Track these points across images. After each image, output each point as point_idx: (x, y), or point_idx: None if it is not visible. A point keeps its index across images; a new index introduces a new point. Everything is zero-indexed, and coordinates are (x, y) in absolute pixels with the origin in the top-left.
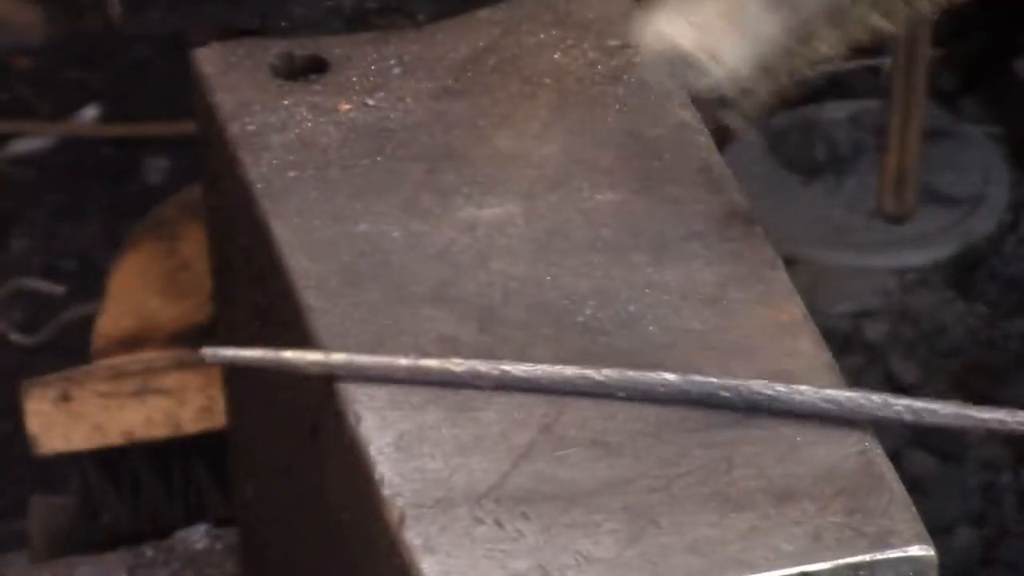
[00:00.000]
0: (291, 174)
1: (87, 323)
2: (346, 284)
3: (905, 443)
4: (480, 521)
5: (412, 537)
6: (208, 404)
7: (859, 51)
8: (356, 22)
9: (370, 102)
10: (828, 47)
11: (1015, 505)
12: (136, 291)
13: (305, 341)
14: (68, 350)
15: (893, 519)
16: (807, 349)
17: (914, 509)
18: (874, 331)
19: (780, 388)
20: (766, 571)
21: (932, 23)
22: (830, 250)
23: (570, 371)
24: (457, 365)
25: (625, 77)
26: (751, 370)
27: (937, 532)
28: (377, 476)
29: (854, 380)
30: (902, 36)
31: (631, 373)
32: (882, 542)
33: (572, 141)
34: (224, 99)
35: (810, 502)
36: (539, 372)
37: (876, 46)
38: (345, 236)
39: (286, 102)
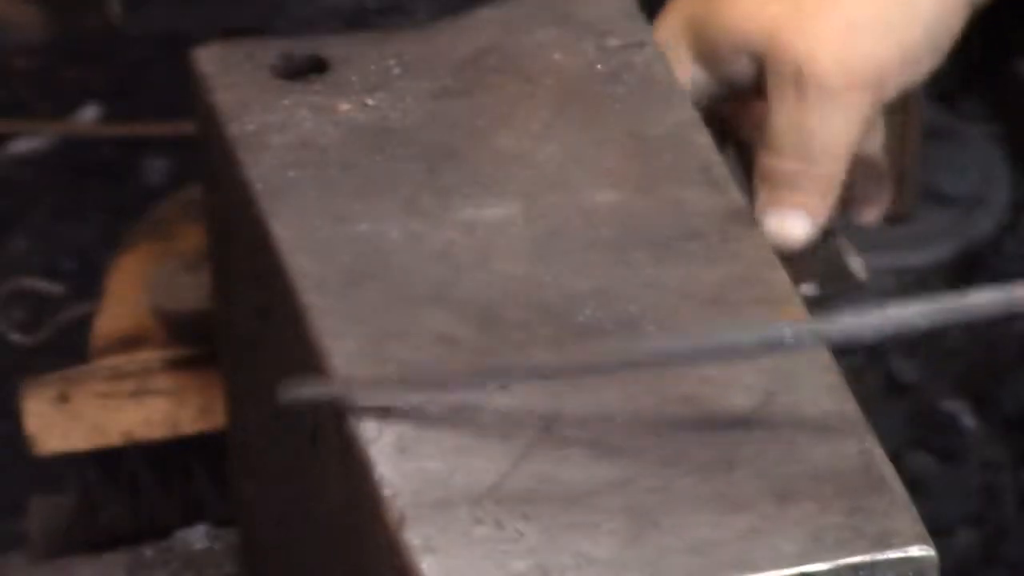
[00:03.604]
0: (291, 174)
1: (87, 323)
2: (346, 284)
3: (905, 443)
4: (480, 521)
5: (412, 537)
6: (207, 404)
7: None
8: (356, 22)
9: (370, 102)
10: None
11: (1015, 505)
12: (135, 291)
13: (305, 341)
14: (67, 350)
15: (893, 519)
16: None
17: (914, 509)
18: None
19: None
20: (766, 571)
21: None
22: None
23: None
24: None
25: (625, 77)
26: (751, 370)
27: (937, 532)
28: (377, 476)
29: (854, 380)
30: None
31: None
32: (882, 543)
33: (572, 141)
34: (224, 99)
35: (810, 502)
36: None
37: None
38: (345, 236)
39: (286, 102)
